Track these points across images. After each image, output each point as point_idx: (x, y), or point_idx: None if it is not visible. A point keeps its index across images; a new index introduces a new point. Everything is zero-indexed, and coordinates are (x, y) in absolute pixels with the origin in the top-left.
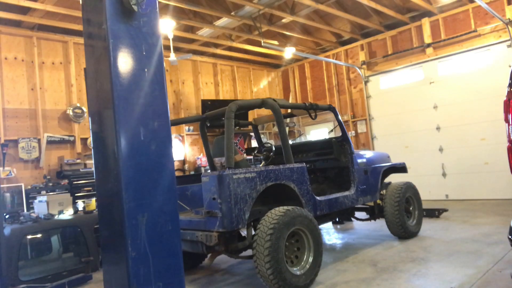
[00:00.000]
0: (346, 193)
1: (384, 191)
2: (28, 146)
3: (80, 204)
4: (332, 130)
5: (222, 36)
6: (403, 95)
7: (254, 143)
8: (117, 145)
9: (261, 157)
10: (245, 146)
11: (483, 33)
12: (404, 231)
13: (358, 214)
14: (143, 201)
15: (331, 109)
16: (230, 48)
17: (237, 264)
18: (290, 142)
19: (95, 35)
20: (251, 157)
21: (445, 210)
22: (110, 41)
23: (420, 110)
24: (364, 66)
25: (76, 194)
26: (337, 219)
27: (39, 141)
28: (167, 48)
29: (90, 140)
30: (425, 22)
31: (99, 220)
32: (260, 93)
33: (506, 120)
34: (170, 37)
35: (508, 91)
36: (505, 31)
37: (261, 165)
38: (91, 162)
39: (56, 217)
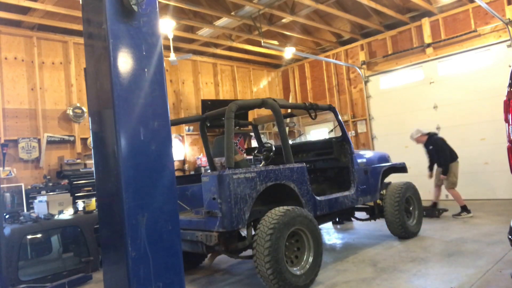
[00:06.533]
0: (346, 193)
1: (384, 191)
2: (28, 146)
3: (80, 204)
4: (332, 130)
5: (222, 36)
6: (403, 95)
7: (254, 143)
8: (117, 145)
9: (261, 157)
10: (245, 146)
11: (483, 33)
12: (404, 231)
13: (358, 214)
14: (143, 201)
15: (331, 109)
16: (230, 48)
17: (237, 264)
18: (290, 142)
19: (95, 35)
20: (251, 157)
21: (445, 210)
22: (110, 41)
23: (420, 110)
24: (364, 66)
25: (76, 194)
26: (337, 219)
27: (39, 141)
28: (167, 48)
29: (90, 140)
30: (425, 22)
31: (99, 220)
32: (260, 93)
33: (506, 120)
34: (170, 37)
35: (508, 91)
36: (505, 31)
37: (261, 165)
38: (91, 162)
39: (56, 217)
